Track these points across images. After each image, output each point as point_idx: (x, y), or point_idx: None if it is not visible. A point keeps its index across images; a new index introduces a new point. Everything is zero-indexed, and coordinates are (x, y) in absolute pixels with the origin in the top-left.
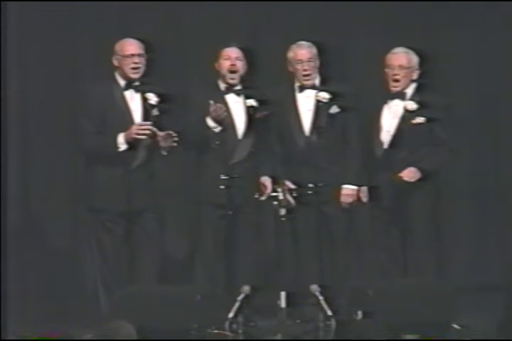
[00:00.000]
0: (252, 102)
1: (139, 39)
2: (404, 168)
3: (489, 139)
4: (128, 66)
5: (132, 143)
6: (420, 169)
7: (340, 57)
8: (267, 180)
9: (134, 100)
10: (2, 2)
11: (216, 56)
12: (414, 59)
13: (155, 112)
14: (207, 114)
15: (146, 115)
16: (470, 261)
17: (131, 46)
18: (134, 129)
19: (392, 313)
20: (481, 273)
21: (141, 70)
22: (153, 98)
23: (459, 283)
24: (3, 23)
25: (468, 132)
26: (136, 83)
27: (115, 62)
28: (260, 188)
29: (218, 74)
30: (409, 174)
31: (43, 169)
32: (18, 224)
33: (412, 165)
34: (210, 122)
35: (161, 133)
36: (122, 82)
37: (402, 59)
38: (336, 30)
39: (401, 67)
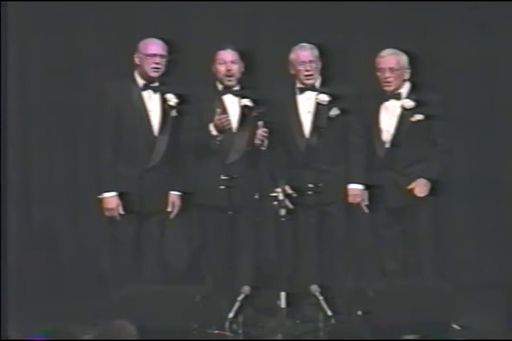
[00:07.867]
0: (246, 102)
1: (162, 39)
2: (406, 166)
3: (489, 137)
4: (149, 65)
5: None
6: (428, 179)
7: (342, 59)
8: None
9: (152, 100)
10: (2, 2)
11: (212, 59)
12: (403, 59)
13: (173, 113)
14: (208, 116)
15: (164, 116)
16: (470, 261)
17: (154, 46)
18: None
19: (392, 313)
20: (481, 273)
21: (161, 70)
22: (172, 99)
23: (459, 283)
24: (3, 23)
25: (467, 130)
26: (156, 83)
27: (136, 60)
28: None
29: (215, 77)
30: (421, 189)
31: (43, 168)
32: (19, 224)
33: (414, 165)
34: (213, 130)
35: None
36: (141, 82)
37: (391, 61)
38: (337, 32)
39: (391, 69)
